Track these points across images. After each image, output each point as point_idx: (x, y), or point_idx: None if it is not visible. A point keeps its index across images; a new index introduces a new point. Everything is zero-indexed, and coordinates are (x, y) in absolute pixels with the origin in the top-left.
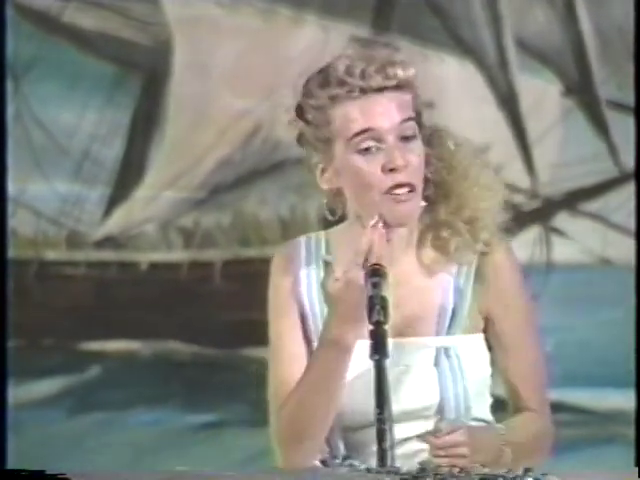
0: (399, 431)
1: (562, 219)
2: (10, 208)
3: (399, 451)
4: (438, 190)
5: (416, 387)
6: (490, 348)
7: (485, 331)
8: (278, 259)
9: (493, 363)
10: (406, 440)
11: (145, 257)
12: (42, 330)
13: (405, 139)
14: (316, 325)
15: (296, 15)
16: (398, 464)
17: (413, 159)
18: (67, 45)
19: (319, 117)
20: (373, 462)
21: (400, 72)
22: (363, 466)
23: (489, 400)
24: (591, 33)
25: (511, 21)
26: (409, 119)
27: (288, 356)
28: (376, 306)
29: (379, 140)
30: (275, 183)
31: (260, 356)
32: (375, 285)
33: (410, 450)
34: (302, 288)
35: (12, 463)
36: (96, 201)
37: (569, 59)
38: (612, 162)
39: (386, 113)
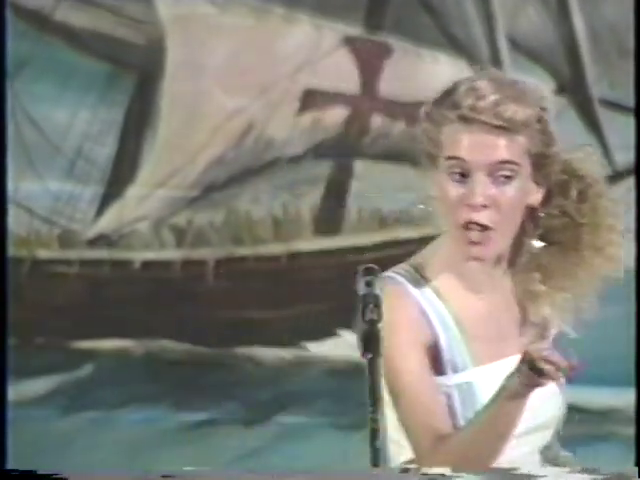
0: (535, 441)
1: None
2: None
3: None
4: (555, 237)
5: (552, 398)
6: None
7: None
8: (389, 293)
9: None
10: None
11: (138, 255)
12: (35, 329)
13: (498, 179)
14: (452, 354)
15: (289, 14)
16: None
17: (502, 200)
18: (60, 43)
19: (430, 129)
20: None
21: (510, 114)
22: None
23: None
24: (584, 32)
25: (504, 19)
26: (508, 162)
27: (426, 397)
28: (369, 305)
29: (467, 172)
30: (268, 181)
31: (252, 355)
32: (368, 284)
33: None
34: (432, 318)
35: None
36: (89, 199)
37: (562, 58)
38: (605, 161)
39: (481, 149)
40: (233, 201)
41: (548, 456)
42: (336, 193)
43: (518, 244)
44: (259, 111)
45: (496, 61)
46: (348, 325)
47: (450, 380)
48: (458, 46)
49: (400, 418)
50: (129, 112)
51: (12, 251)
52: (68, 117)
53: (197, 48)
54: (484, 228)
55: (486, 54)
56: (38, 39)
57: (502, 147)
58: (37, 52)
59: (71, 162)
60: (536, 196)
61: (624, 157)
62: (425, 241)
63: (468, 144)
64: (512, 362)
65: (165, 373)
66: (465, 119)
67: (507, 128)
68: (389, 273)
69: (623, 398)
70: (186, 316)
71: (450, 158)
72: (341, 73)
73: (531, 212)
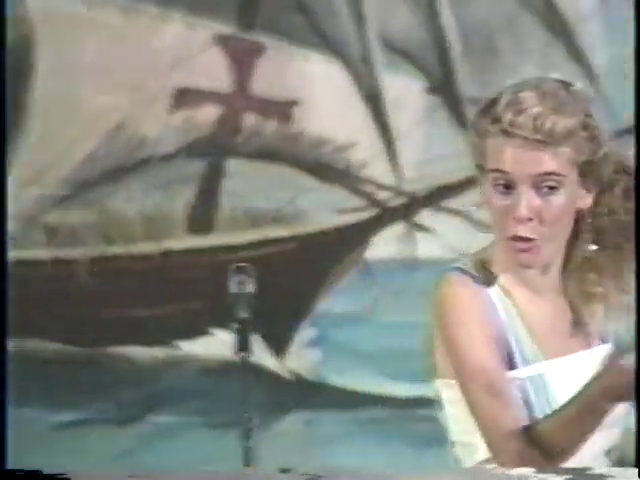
0: (600, 441)
1: (426, 216)
2: None
3: None
4: (608, 238)
5: None
6: None
7: None
8: (455, 282)
9: None
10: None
11: (8, 254)
12: None
13: (543, 190)
14: (521, 347)
15: (161, 12)
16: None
17: (547, 212)
18: None
19: (478, 142)
20: None
21: (549, 126)
22: None
23: None
24: (454, 31)
25: (375, 18)
26: (552, 174)
27: (501, 387)
28: (241, 304)
29: (511, 184)
30: (140, 180)
31: (125, 354)
32: (240, 283)
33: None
34: (500, 311)
35: None
36: None
37: (433, 57)
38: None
39: (524, 162)
40: (105, 199)
41: (613, 458)
42: (209, 192)
43: (571, 247)
44: (131, 109)
45: (367, 60)
46: (221, 324)
47: (522, 373)
48: (330, 45)
49: (473, 410)
50: None
51: None
52: None
53: (68, 45)
54: (530, 240)
55: (357, 53)
56: None
57: (545, 160)
58: None
59: None
60: (586, 200)
61: None
62: (297, 240)
63: (511, 157)
64: (580, 357)
65: (35, 373)
66: (506, 133)
67: (549, 140)
68: (457, 264)
69: None
70: (57, 315)
71: (494, 170)
72: (214, 71)
73: (583, 215)
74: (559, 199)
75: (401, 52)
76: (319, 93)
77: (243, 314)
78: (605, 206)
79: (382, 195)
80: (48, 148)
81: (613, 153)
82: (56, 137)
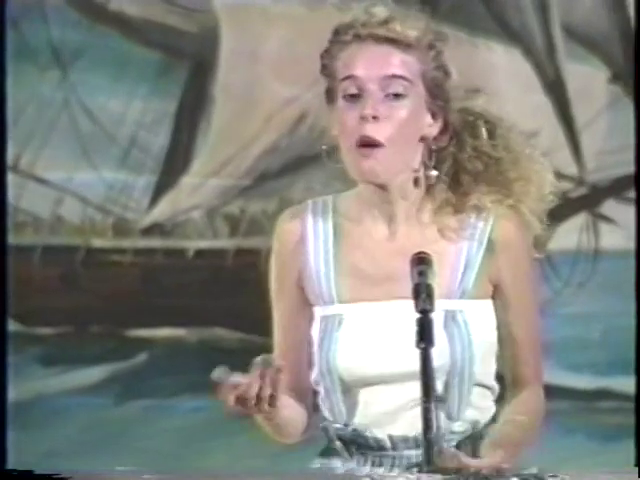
0: (406, 391)
1: (609, 206)
2: (57, 195)
3: (410, 413)
4: (472, 178)
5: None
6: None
7: (493, 297)
8: (284, 221)
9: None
10: (414, 401)
11: (191, 244)
12: (89, 317)
13: (392, 95)
14: (320, 286)
15: (342, 3)
16: (408, 428)
17: (394, 115)
18: (114, 33)
19: (329, 64)
20: (374, 425)
21: (399, 28)
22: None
23: (494, 366)
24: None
25: (558, 8)
26: (401, 77)
27: (281, 327)
28: (422, 294)
29: (361, 88)
30: (321, 170)
31: None
32: (421, 273)
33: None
34: (309, 248)
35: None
36: (143, 188)
37: (616, 46)
38: None
39: (374, 63)
40: (286, 190)
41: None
42: None
43: (418, 178)
44: (312, 100)
45: (550, 49)
46: None
47: (318, 312)
48: (512, 34)
49: None
50: (183, 101)
51: (66, 239)
52: (122, 106)
53: (251, 37)
54: (376, 143)
55: (540, 42)
56: (92, 29)
57: (393, 62)
58: (91, 42)
59: (125, 151)
60: (431, 129)
61: None
62: None
63: (361, 61)
64: (401, 304)
65: (218, 361)
66: (359, 37)
67: (398, 42)
68: (306, 201)
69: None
70: (239, 304)
71: (344, 79)
72: None
73: (430, 147)
74: (405, 104)
75: (584, 41)
76: (501, 83)
77: (423, 305)
78: (472, 149)
79: (564, 185)
80: (230, 139)
81: (461, 95)
82: (238, 128)
